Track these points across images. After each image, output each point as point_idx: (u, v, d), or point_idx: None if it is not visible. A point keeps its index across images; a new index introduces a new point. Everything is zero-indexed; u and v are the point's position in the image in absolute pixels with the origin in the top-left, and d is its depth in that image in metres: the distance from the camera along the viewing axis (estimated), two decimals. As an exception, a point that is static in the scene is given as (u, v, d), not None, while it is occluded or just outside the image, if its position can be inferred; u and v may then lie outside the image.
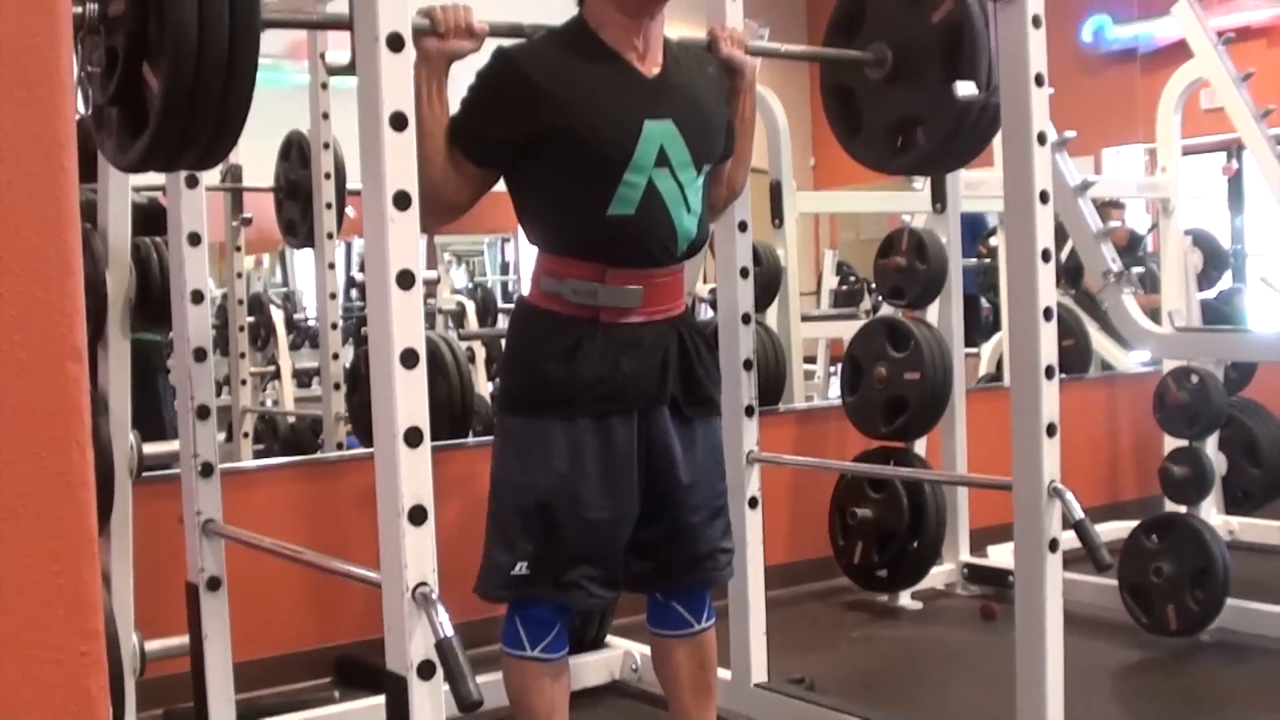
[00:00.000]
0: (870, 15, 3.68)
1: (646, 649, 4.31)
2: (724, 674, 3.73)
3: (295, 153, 6.10)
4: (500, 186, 3.05)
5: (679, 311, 3.09)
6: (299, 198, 6.06)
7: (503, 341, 3.35)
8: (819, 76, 3.88)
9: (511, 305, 3.47)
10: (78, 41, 2.50)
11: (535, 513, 2.94)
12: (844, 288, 9.89)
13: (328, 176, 5.80)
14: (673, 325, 3.05)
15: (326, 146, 5.79)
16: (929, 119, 3.51)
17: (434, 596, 2.42)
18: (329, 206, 5.82)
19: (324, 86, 5.77)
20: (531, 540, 2.94)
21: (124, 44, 2.37)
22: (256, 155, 6.26)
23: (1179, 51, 6.23)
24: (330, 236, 5.87)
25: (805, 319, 7.40)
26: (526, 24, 3.05)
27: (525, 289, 3.10)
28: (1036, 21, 3.10)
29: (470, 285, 10.01)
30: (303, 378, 7.60)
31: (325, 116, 5.78)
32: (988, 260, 8.44)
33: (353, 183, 5.63)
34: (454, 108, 2.94)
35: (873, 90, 3.66)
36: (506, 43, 2.99)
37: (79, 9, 2.40)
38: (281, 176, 6.25)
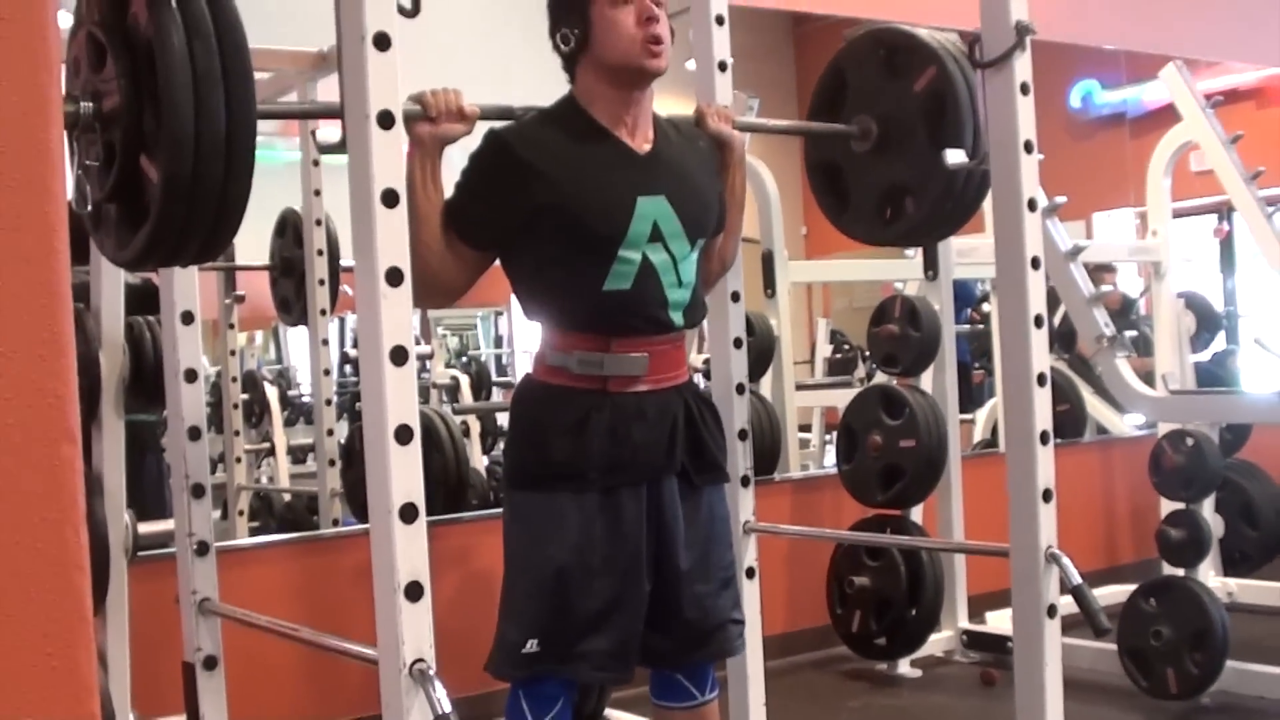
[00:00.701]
0: (852, 89, 3.69)
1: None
2: (724, 745, 3.71)
3: (290, 230, 6.12)
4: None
5: (684, 379, 3.09)
6: (294, 275, 6.08)
7: (497, 415, 3.35)
8: (804, 154, 3.89)
9: (505, 379, 3.47)
10: (73, 138, 2.50)
11: (545, 587, 2.92)
12: (838, 356, 9.91)
13: (320, 253, 5.82)
14: (679, 393, 3.05)
15: (319, 223, 5.81)
16: (917, 188, 3.50)
17: (431, 673, 2.41)
18: (322, 283, 5.84)
19: (315, 163, 5.80)
20: (542, 615, 2.92)
21: (121, 138, 2.36)
22: (248, 232, 6.27)
23: (1168, 115, 6.27)
24: (324, 313, 5.88)
25: (800, 388, 7.42)
26: (517, 106, 3.07)
27: (522, 365, 3.10)
28: (1025, 89, 3.12)
29: (464, 359, 10.03)
30: (298, 454, 7.59)
31: (317, 193, 5.81)
32: (980, 326, 8.46)
33: (346, 259, 5.65)
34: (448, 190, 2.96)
35: (859, 163, 3.66)
36: (498, 124, 3.00)
37: (72, 107, 2.39)
38: (276, 254, 6.26)
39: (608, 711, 4.54)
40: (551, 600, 2.91)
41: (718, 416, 3.21)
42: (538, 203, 2.91)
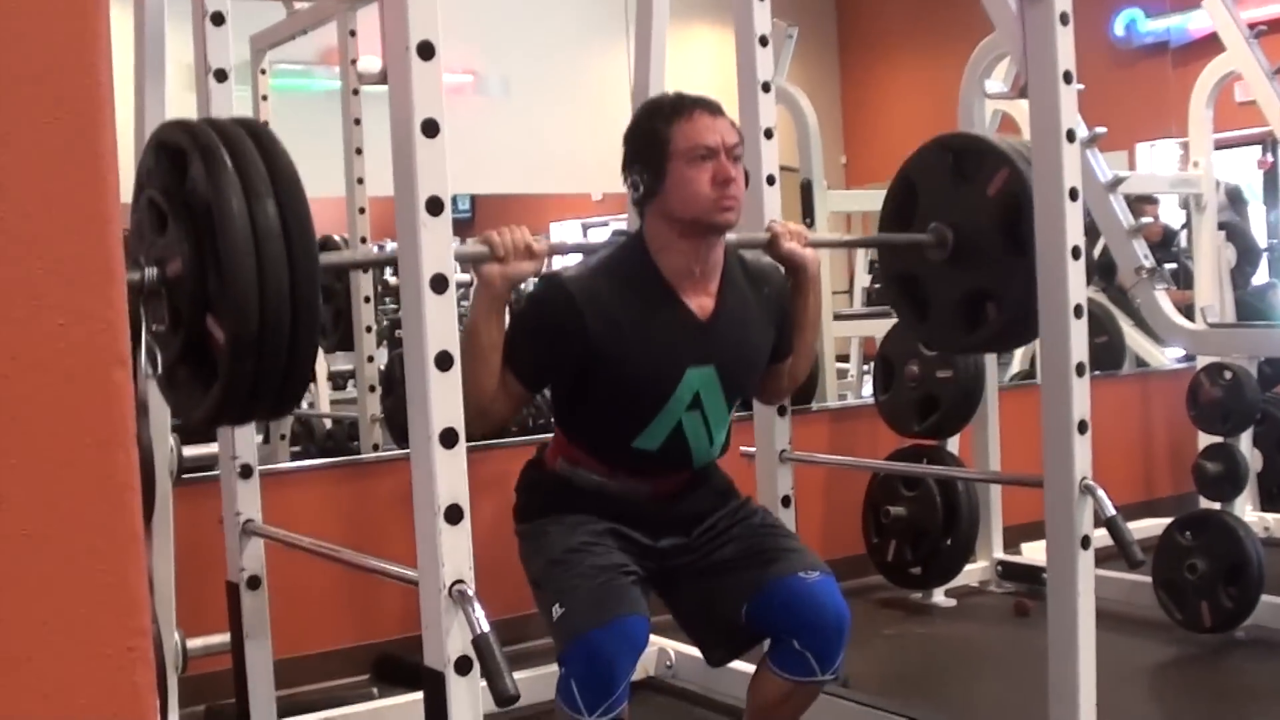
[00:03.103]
0: (923, 197, 3.67)
1: (682, 646, 4.34)
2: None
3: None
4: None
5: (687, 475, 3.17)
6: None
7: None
8: (880, 267, 3.87)
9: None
10: (141, 304, 2.49)
11: (558, 569, 2.95)
12: (877, 286, 9.86)
13: (360, 181, 5.84)
14: (687, 486, 3.16)
15: (359, 152, 5.83)
16: (998, 293, 3.48)
17: (471, 593, 2.45)
18: (361, 211, 5.87)
19: (355, 93, 5.81)
20: (565, 590, 2.91)
21: (186, 300, 2.34)
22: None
23: (1212, 44, 6.20)
24: (364, 240, 5.91)
25: (838, 318, 7.40)
26: (587, 242, 3.07)
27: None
28: (1064, 19, 3.10)
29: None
30: (338, 380, 7.63)
31: (357, 122, 5.82)
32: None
33: (385, 190, 5.67)
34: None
35: (936, 272, 3.62)
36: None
37: (137, 274, 2.37)
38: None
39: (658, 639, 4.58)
40: (565, 575, 2.93)
41: (728, 483, 3.26)
42: (591, 362, 2.95)
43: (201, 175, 2.31)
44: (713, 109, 3.01)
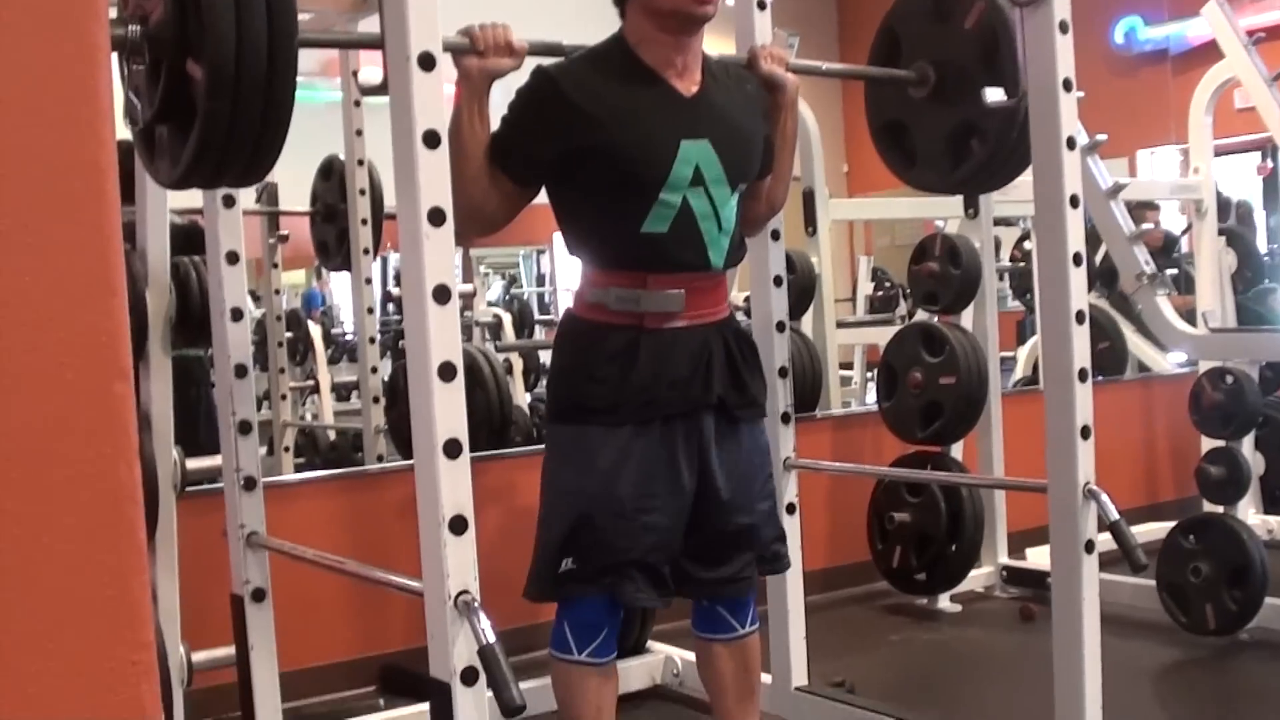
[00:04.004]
0: (905, 42, 3.69)
1: (688, 654, 4.35)
2: (765, 678, 3.74)
3: (335, 175, 6.13)
4: (541, 199, 3.09)
5: (723, 316, 3.11)
6: (335, 220, 6.10)
7: (540, 352, 3.38)
8: (866, 118, 3.88)
9: (548, 317, 3.50)
10: (123, 61, 2.54)
11: (581, 514, 2.97)
12: (879, 293, 9.91)
13: (362, 193, 5.85)
14: (717, 329, 3.08)
15: (361, 163, 5.84)
16: (981, 126, 3.49)
17: (476, 604, 2.45)
18: (365, 222, 5.87)
19: (357, 104, 5.82)
20: (577, 540, 2.97)
21: (167, 46, 2.41)
22: (290, 174, 6.30)
23: (1211, 51, 6.21)
24: (366, 252, 5.92)
25: (841, 325, 7.42)
26: (566, 43, 3.08)
27: (564, 302, 3.12)
28: (1064, 27, 3.11)
29: (506, 297, 10.05)
30: (342, 391, 7.65)
31: (359, 133, 5.84)
32: (1022, 264, 8.43)
33: (389, 203, 5.68)
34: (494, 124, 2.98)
35: (921, 111, 3.64)
36: (546, 61, 3.02)
37: (121, 30, 2.43)
38: (319, 199, 6.28)
39: (650, 644, 4.59)
40: (587, 525, 2.96)
41: (756, 353, 3.24)
42: (581, 142, 2.93)
43: None
44: None
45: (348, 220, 5.93)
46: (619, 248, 3.01)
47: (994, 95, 3.31)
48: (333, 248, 6.20)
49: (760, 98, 3.24)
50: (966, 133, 3.54)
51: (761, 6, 3.69)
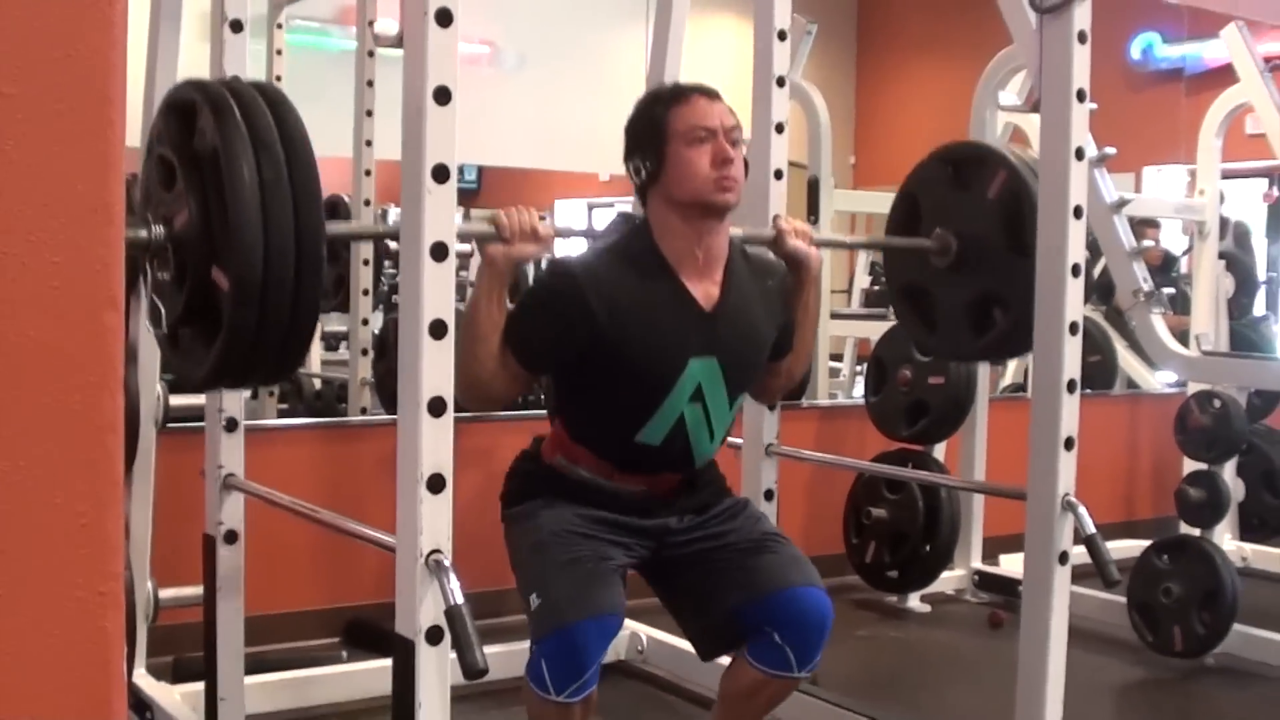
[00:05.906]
0: (926, 210, 3.67)
1: (653, 631, 4.36)
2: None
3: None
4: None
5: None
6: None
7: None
8: (888, 280, 3.87)
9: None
10: (148, 263, 2.50)
11: (540, 556, 2.95)
12: (875, 288, 9.88)
13: (368, 143, 5.85)
14: (684, 486, 3.15)
15: (369, 114, 5.83)
16: (1004, 296, 3.46)
17: (447, 564, 2.45)
18: (368, 173, 5.87)
19: (370, 54, 5.80)
20: (541, 581, 2.91)
21: (191, 251, 2.36)
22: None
23: (1226, 74, 6.21)
24: (367, 203, 5.92)
25: (834, 317, 7.42)
26: (593, 228, 3.07)
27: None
28: (1082, 37, 3.10)
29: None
30: (331, 341, 7.62)
31: (370, 84, 5.82)
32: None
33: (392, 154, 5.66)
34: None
35: (942, 280, 3.62)
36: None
37: (144, 232, 2.40)
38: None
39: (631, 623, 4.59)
40: (543, 564, 2.93)
41: (719, 476, 3.26)
42: (595, 349, 2.95)
43: (210, 125, 2.32)
44: (710, 94, 3.03)
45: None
46: (606, 447, 3.07)
47: None
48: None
49: (781, 291, 3.26)
50: (989, 302, 3.52)
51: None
